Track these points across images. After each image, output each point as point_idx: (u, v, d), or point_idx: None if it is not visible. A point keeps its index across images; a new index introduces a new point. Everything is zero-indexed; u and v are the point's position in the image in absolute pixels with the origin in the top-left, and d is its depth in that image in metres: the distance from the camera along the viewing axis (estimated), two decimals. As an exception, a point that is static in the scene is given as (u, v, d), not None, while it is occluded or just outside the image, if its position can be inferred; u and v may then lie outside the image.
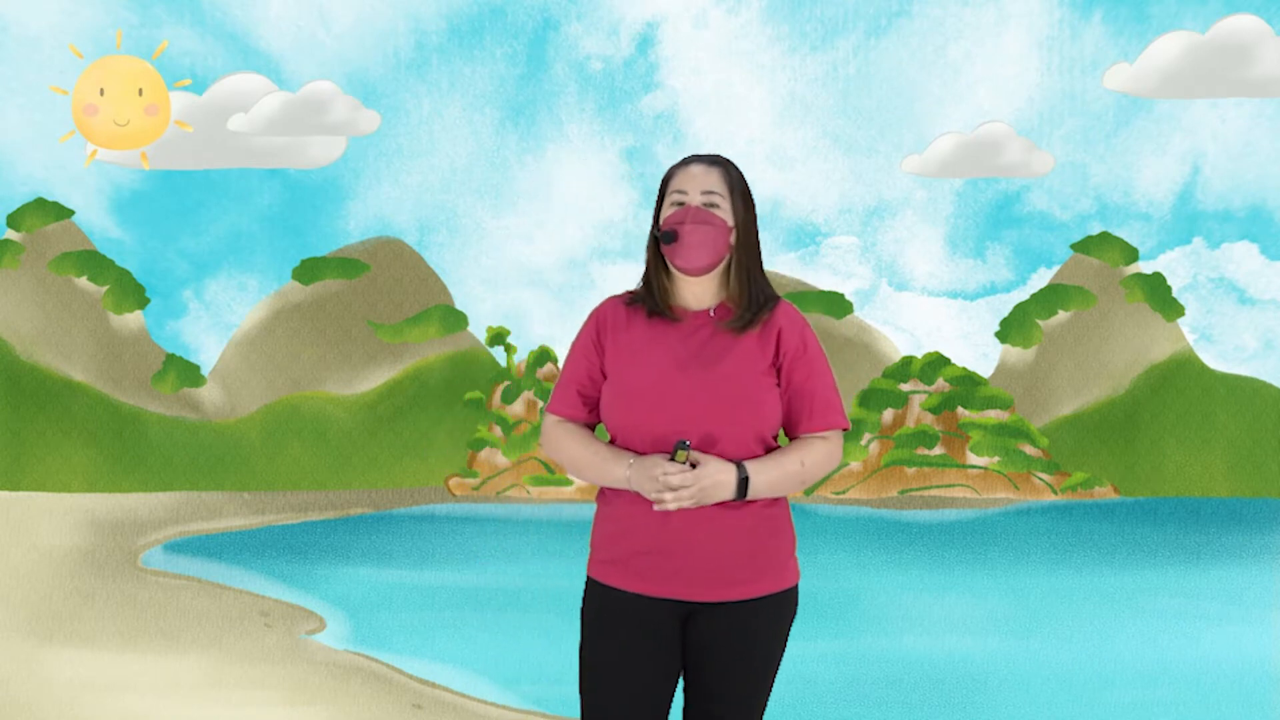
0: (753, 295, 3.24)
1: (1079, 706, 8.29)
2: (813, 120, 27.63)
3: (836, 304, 27.82)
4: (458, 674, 8.95)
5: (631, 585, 3.19)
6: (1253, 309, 27.15)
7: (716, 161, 3.29)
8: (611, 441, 3.29)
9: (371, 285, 28.28)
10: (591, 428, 3.38)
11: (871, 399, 25.11)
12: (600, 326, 3.32)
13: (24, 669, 8.17)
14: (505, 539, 18.86)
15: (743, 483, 3.10)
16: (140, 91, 14.21)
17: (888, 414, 25.04)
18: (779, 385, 3.23)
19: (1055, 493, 24.41)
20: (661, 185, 3.32)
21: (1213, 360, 26.46)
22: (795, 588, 3.28)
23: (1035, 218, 27.61)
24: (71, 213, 26.63)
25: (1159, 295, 26.71)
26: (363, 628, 10.91)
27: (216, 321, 28.15)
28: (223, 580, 13.43)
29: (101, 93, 14.08)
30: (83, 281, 26.66)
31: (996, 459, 24.44)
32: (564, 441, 3.32)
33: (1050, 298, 27.31)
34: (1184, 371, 26.00)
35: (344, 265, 28.19)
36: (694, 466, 3.10)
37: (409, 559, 16.13)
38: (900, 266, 28.31)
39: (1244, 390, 25.52)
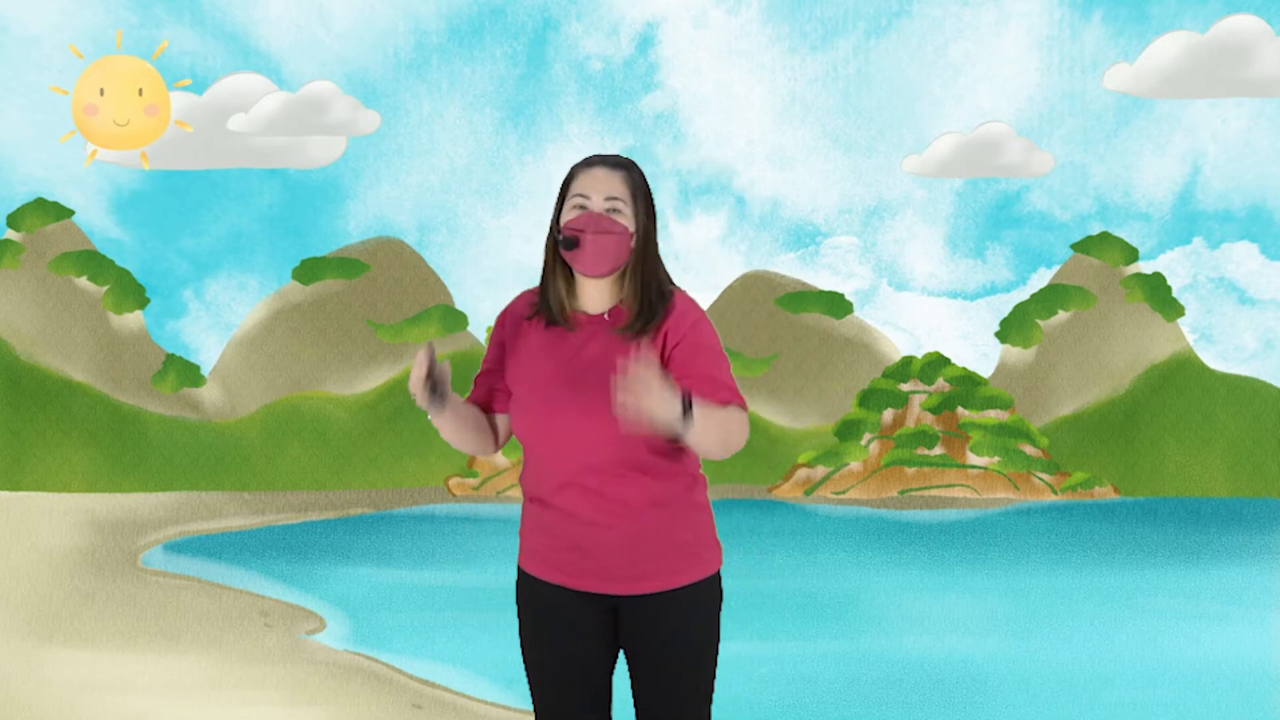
0: (645, 300, 3.24)
1: (1079, 706, 8.29)
2: (813, 120, 27.63)
3: (836, 304, 27.80)
4: (458, 674, 8.96)
5: (554, 578, 3.28)
6: (1253, 309, 27.16)
7: (620, 164, 3.29)
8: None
9: (371, 285, 28.27)
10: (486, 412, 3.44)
11: (871, 399, 25.09)
12: (503, 328, 3.44)
13: (24, 669, 8.17)
14: (505, 539, 18.83)
15: (686, 403, 3.00)
16: (140, 91, 14.21)
17: (888, 414, 25.03)
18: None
19: (1055, 493, 24.40)
20: (563, 185, 3.33)
21: (1213, 360, 26.45)
22: (716, 575, 3.31)
23: (1035, 218, 27.62)
24: (71, 213, 26.63)
25: (1159, 295, 26.70)
26: (363, 628, 10.92)
27: (216, 321, 28.16)
28: (223, 580, 13.44)
29: (101, 93, 14.08)
30: (83, 281, 26.65)
31: (996, 459, 24.43)
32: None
33: (1050, 298, 27.30)
34: (1184, 371, 25.99)
35: (344, 265, 28.17)
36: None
37: (409, 559, 16.13)
38: (900, 266, 28.32)
39: (1244, 390, 25.51)
